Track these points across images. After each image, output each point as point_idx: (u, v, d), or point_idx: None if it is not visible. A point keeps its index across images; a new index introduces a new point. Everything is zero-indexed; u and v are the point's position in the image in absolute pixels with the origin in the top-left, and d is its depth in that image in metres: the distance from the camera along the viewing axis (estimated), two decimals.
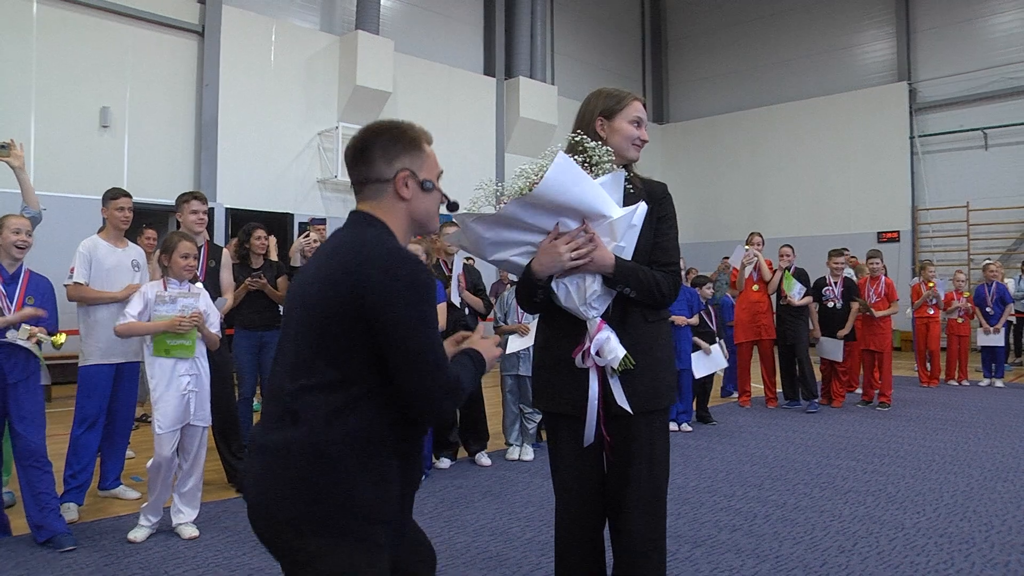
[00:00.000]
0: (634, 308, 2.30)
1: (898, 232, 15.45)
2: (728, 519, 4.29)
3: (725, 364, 7.61)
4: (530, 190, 2.10)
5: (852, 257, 10.43)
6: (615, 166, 2.27)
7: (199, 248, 4.80)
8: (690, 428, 6.98)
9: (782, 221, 16.64)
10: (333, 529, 1.60)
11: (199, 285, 4.30)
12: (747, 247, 8.36)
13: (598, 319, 2.22)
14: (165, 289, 3.91)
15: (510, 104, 15.53)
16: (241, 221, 10.84)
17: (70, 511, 4.18)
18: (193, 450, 3.95)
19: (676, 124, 19.48)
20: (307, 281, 1.75)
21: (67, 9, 9.90)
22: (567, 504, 2.38)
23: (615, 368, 2.18)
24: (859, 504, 4.55)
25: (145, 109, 10.60)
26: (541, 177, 2.08)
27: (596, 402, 2.24)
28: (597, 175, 2.22)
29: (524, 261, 2.25)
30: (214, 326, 4.05)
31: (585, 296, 2.22)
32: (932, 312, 9.91)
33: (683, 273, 7.26)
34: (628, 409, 2.22)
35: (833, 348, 8.05)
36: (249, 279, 5.64)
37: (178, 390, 3.84)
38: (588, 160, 2.25)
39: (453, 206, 1.90)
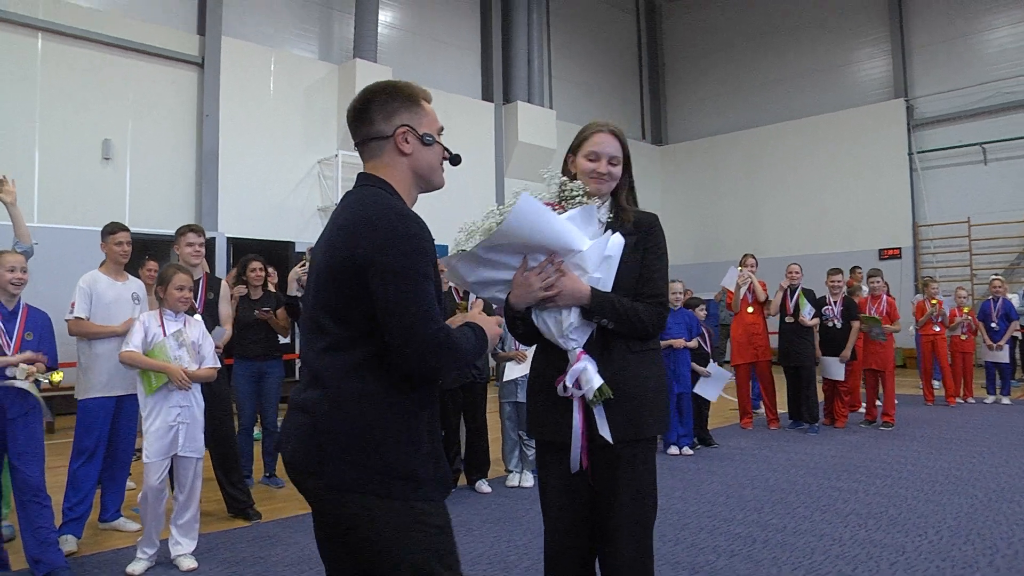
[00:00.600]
0: (616, 339, 2.30)
1: (899, 249, 15.48)
2: (727, 544, 4.28)
3: (729, 375, 7.58)
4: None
5: (857, 270, 10.42)
6: (588, 199, 2.29)
7: (197, 280, 4.90)
8: (691, 451, 6.98)
9: (782, 240, 16.68)
10: (371, 491, 1.66)
11: (197, 317, 4.35)
12: (741, 268, 8.41)
13: (577, 350, 2.24)
14: (161, 321, 3.94)
15: (509, 129, 15.65)
16: (242, 250, 10.94)
17: (68, 543, 4.19)
18: (188, 482, 3.97)
19: (674, 145, 19.61)
20: (317, 249, 1.85)
21: (70, 44, 10.05)
22: (554, 533, 2.39)
23: (591, 399, 2.20)
24: (860, 527, 4.54)
25: (146, 141, 10.73)
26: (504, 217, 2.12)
27: (579, 430, 2.26)
28: (567, 209, 2.25)
29: (504, 296, 2.29)
30: (208, 359, 4.09)
31: (563, 328, 2.25)
32: (938, 329, 9.90)
33: (680, 295, 7.25)
34: (608, 439, 2.24)
35: (834, 367, 8.05)
36: (258, 311, 5.74)
37: (167, 421, 3.87)
38: (562, 195, 2.30)
39: (455, 159, 1.94)
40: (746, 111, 18.11)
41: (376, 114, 1.85)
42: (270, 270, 7.87)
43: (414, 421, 1.74)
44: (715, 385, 7.20)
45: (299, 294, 5.94)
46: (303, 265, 6.07)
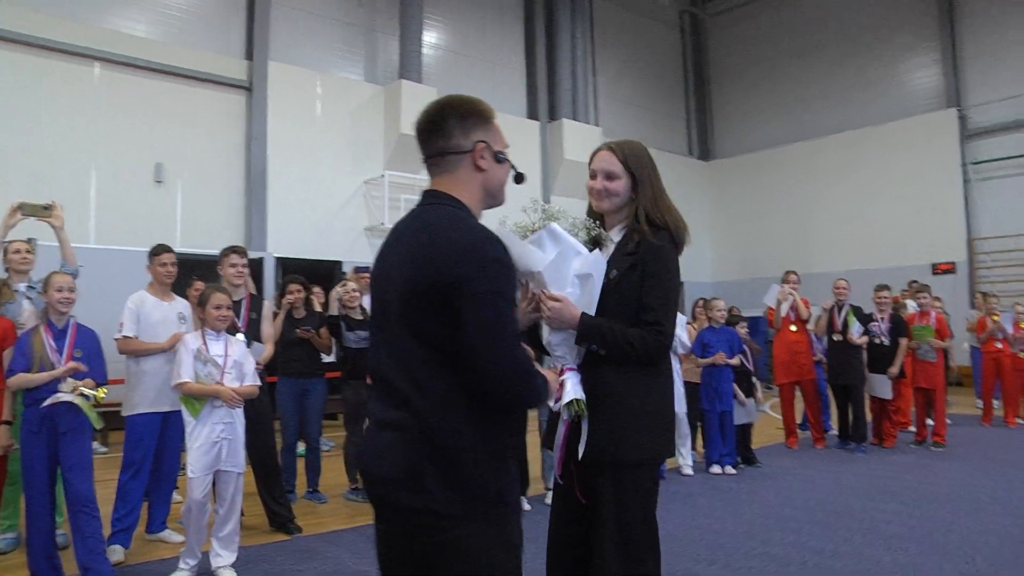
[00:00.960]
0: (606, 361, 2.29)
1: (953, 263, 15.09)
2: (762, 566, 4.24)
3: (755, 418, 7.48)
4: None
5: (915, 283, 10.19)
6: (560, 220, 2.40)
7: (240, 300, 5.06)
8: (734, 471, 6.91)
9: (832, 256, 16.38)
10: (475, 517, 1.67)
11: (240, 336, 4.49)
12: (782, 285, 8.31)
13: (564, 365, 2.29)
14: (204, 340, 4.10)
15: (554, 146, 15.72)
16: (290, 270, 11.26)
17: (116, 553, 4.37)
18: (229, 496, 4.10)
19: (721, 160, 19.46)
20: (389, 267, 1.81)
21: (124, 72, 10.46)
22: (550, 547, 2.42)
23: (562, 412, 2.24)
24: (901, 551, 4.45)
25: (196, 164, 11.08)
26: None
27: (559, 444, 2.31)
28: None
29: None
30: (248, 377, 4.22)
31: (545, 344, 2.33)
32: (1000, 345, 9.62)
33: (723, 312, 7.22)
34: (579, 454, 2.24)
35: (881, 385, 7.89)
36: (299, 330, 5.91)
37: (210, 437, 4.01)
38: (545, 221, 2.40)
39: (520, 177, 1.94)
40: (794, 124, 17.92)
41: (455, 128, 1.83)
42: (316, 290, 8.14)
43: (503, 446, 1.76)
44: (743, 415, 7.14)
45: (339, 314, 6.11)
46: (344, 286, 6.24)
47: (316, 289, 8.41)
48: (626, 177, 2.44)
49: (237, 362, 4.21)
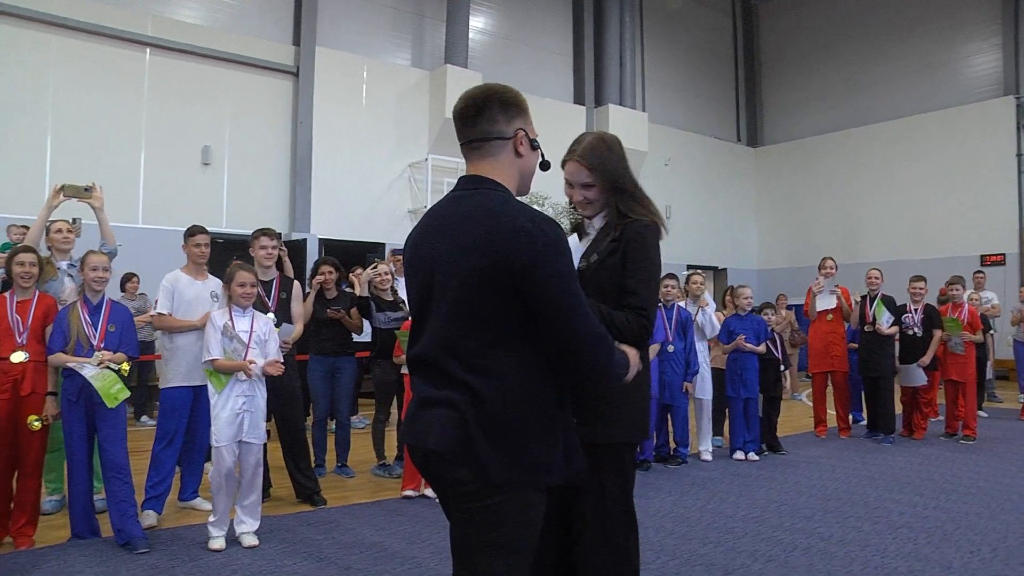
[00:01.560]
0: None
1: (1003, 255, 14.69)
2: (766, 549, 4.32)
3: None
4: None
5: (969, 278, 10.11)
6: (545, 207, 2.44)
7: (271, 280, 5.27)
8: (757, 457, 6.95)
9: (880, 244, 16.12)
10: (508, 479, 1.76)
11: (270, 315, 4.69)
12: (818, 275, 8.24)
13: None
14: (231, 316, 4.32)
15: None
16: (333, 251, 11.51)
17: (149, 517, 4.66)
18: (251, 466, 4.32)
19: (770, 147, 19.22)
20: (440, 252, 1.86)
21: (174, 57, 10.84)
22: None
23: None
24: (908, 540, 4.47)
25: (243, 147, 11.42)
26: None
27: None
28: None
29: None
30: (271, 354, 4.42)
31: None
32: None
33: (750, 300, 7.22)
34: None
35: (914, 374, 7.80)
36: (330, 310, 6.14)
37: (233, 409, 4.23)
38: None
39: (546, 165, 2.03)
40: (844, 111, 17.57)
41: (498, 114, 1.90)
42: (358, 271, 8.37)
43: (553, 421, 1.85)
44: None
45: (369, 295, 6.29)
46: (374, 267, 6.43)
47: (358, 270, 8.65)
48: (600, 182, 2.49)
49: (261, 339, 4.40)
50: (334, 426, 6.63)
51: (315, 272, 6.39)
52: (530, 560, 1.86)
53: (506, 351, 1.79)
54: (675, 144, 17.25)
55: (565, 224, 2.61)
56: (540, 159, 2.02)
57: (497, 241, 1.76)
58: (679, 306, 6.76)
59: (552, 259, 1.76)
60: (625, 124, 15.60)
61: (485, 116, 1.90)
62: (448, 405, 1.79)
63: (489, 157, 1.92)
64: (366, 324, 8.14)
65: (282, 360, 4.53)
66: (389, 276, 6.46)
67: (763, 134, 19.57)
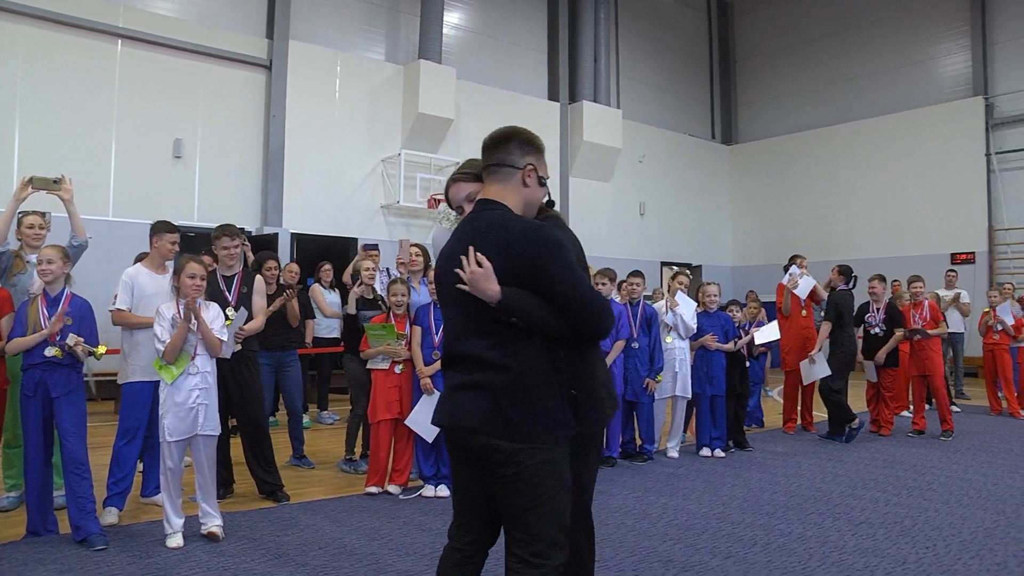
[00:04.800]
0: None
1: (974, 253, 14.91)
2: (726, 546, 4.34)
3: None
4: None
5: (896, 282, 10.41)
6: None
7: (233, 276, 5.24)
8: (723, 454, 6.99)
9: (854, 242, 16.28)
10: (536, 438, 2.16)
11: (213, 305, 4.52)
12: (798, 270, 8.29)
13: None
14: (178, 308, 4.26)
15: (574, 128, 15.74)
16: (306, 245, 11.52)
17: (111, 514, 4.58)
18: (206, 459, 4.28)
19: (744, 145, 19.35)
20: (457, 262, 2.24)
21: (146, 49, 10.72)
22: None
23: None
24: (867, 536, 4.52)
25: (215, 140, 11.31)
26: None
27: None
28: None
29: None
30: (215, 331, 4.33)
31: None
32: (997, 337, 9.56)
33: (716, 297, 7.24)
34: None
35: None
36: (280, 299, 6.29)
37: (186, 403, 4.17)
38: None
39: (551, 202, 2.52)
40: (819, 109, 17.74)
41: (515, 148, 2.35)
42: (327, 266, 8.65)
43: (558, 384, 2.26)
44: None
45: (360, 291, 6.33)
46: (364, 261, 6.54)
47: (326, 265, 8.69)
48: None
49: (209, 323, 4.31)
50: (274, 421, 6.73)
51: (259, 268, 6.46)
52: (569, 508, 2.24)
53: (518, 335, 2.20)
54: (649, 141, 17.33)
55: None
56: (547, 197, 2.46)
57: (517, 247, 2.19)
58: (644, 303, 6.77)
59: (556, 256, 2.20)
60: (599, 120, 15.77)
61: (504, 147, 2.36)
62: (480, 388, 2.20)
63: (500, 182, 2.35)
64: (335, 321, 8.26)
65: (225, 339, 4.41)
66: (373, 272, 6.50)
67: (737, 131, 19.70)
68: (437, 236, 2.86)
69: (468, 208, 2.52)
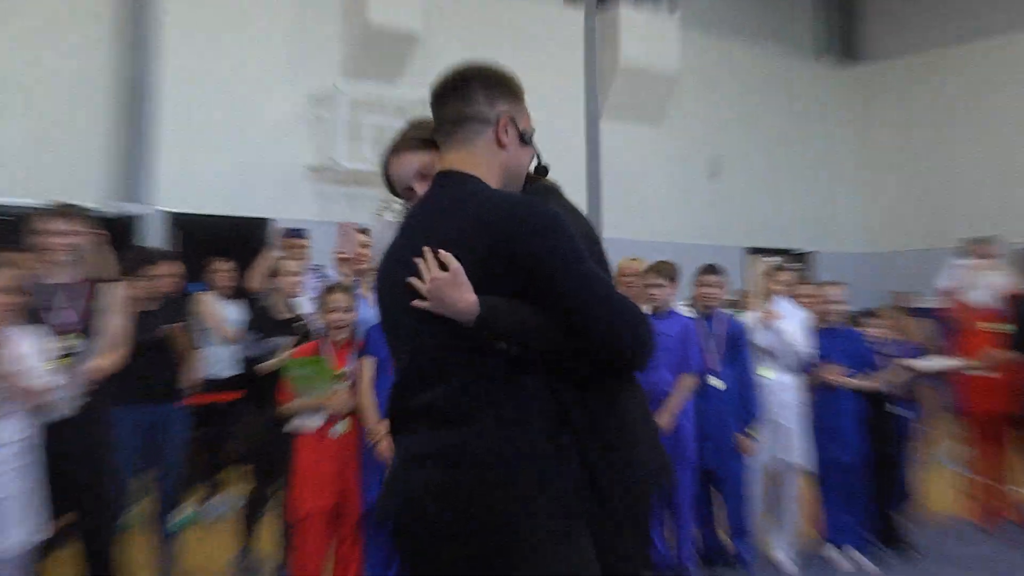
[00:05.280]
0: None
1: None
2: None
3: None
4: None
5: None
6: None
7: (73, 284, 5.15)
8: (864, 558, 6.68)
9: None
10: (539, 532, 2.15)
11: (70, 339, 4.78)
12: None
13: None
14: None
15: (606, 46, 15.36)
16: (191, 233, 11.20)
17: None
18: None
19: (873, 65, 19.31)
20: (407, 265, 2.29)
21: None
22: None
23: None
24: None
25: (37, 72, 10.97)
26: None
27: None
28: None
29: None
30: (32, 373, 4.39)
31: None
32: None
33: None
34: None
35: None
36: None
37: None
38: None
39: (543, 170, 2.57)
40: (979, 14, 17.66)
41: (479, 93, 2.39)
42: (227, 264, 8.91)
43: (570, 449, 2.27)
44: None
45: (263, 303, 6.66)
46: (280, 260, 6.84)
47: (226, 264, 8.94)
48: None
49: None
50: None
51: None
52: None
53: (506, 370, 2.23)
54: (722, 62, 17.45)
55: None
56: (536, 161, 2.53)
57: (486, 233, 2.21)
58: (727, 315, 6.77)
59: (558, 239, 2.22)
60: (643, 34, 15.68)
61: (461, 93, 2.40)
62: (443, 458, 2.24)
63: (464, 146, 2.39)
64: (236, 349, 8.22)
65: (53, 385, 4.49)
66: (298, 274, 6.75)
67: (862, 44, 19.73)
68: (379, 234, 2.84)
69: (421, 188, 2.62)
